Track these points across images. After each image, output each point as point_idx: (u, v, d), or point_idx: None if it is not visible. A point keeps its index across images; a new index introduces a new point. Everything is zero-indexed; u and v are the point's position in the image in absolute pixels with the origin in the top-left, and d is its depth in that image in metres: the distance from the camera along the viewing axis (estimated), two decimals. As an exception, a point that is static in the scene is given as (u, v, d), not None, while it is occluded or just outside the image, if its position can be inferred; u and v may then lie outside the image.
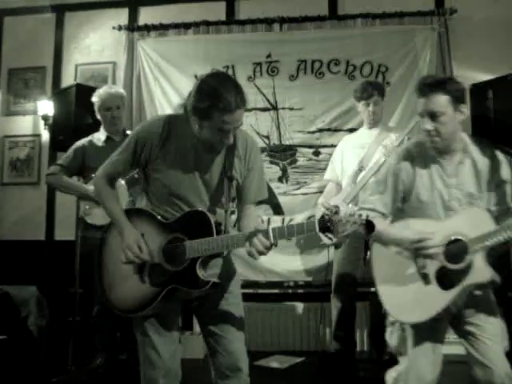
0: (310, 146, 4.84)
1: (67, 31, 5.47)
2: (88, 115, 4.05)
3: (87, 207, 3.71)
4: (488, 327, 2.36)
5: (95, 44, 5.42)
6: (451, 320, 2.45)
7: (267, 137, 4.94)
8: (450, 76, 2.66)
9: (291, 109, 4.91)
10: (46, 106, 5.14)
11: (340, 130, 4.74)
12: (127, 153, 2.31)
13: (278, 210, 4.81)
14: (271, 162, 4.91)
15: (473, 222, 2.27)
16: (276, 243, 2.12)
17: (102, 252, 2.38)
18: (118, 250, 2.27)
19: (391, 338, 2.55)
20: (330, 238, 3.77)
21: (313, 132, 4.85)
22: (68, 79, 5.35)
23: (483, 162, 2.39)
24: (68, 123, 4.47)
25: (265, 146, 4.92)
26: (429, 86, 2.32)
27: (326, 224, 1.98)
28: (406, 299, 2.36)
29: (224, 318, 2.36)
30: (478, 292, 2.37)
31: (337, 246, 4.01)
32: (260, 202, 4.67)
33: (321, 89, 4.88)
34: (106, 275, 2.34)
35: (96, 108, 3.88)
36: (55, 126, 4.74)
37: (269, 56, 4.99)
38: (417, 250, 2.31)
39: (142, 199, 2.43)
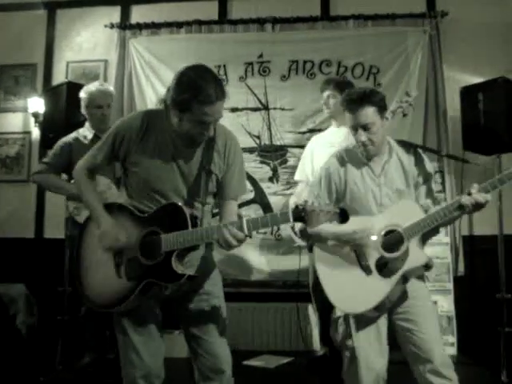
0: (300, 147, 4.78)
1: (58, 28, 5.45)
2: (79, 113, 4.00)
3: (75, 207, 3.69)
4: (423, 321, 2.47)
5: (87, 42, 5.40)
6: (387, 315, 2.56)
7: (258, 137, 4.95)
8: (371, 88, 2.81)
9: (282, 109, 4.93)
10: (37, 104, 5.09)
11: (330, 131, 4.76)
12: (106, 146, 2.33)
13: (268, 209, 4.81)
14: (262, 162, 4.92)
15: (405, 213, 2.45)
16: (250, 235, 2.12)
17: (79, 248, 2.38)
18: (95, 246, 2.28)
19: (335, 333, 2.66)
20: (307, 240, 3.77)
21: (303, 132, 4.87)
22: (59, 77, 5.32)
23: (408, 160, 2.61)
24: (59, 121, 4.43)
25: (255, 145, 4.93)
26: (356, 102, 2.50)
27: (300, 214, 1.98)
28: (351, 291, 2.49)
29: (205, 319, 2.35)
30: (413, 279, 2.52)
31: (311, 249, 3.98)
32: (251, 202, 4.77)
33: (312, 89, 4.85)
34: (83, 271, 2.34)
35: (84, 104, 3.82)
36: (46, 123, 4.71)
37: (260, 56, 5.00)
38: (357, 241, 2.47)
39: (121, 195, 2.45)
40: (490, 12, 4.95)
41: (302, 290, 4.26)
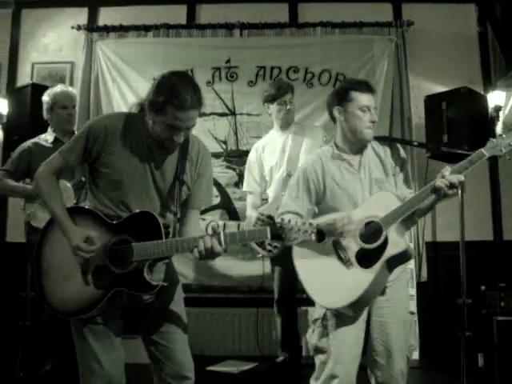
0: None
1: (24, 28, 5.35)
2: (43, 116, 3.97)
3: (32, 211, 3.63)
4: (394, 333, 2.51)
5: (53, 43, 5.33)
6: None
7: (224, 142, 4.96)
8: None
9: (249, 114, 4.94)
10: (0, 105, 5.01)
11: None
12: (79, 144, 2.24)
13: (233, 215, 4.84)
14: (228, 167, 4.92)
15: (381, 204, 2.47)
16: (226, 249, 2.12)
17: (39, 254, 2.29)
18: (59, 252, 2.22)
19: (312, 336, 2.62)
20: (270, 251, 3.74)
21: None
22: (24, 78, 5.24)
23: (383, 151, 2.68)
24: (22, 123, 4.37)
25: (222, 150, 4.94)
26: (368, 84, 2.64)
27: (278, 232, 1.99)
28: (332, 286, 2.46)
29: (167, 327, 2.33)
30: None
31: (275, 261, 3.95)
32: (216, 207, 4.76)
33: (279, 95, 4.92)
34: (46, 278, 2.26)
35: (48, 106, 3.77)
36: (9, 125, 4.64)
37: (228, 61, 5.02)
38: (338, 230, 2.39)
39: (86, 201, 2.37)
40: (453, 23, 5.08)
41: (266, 295, 4.27)
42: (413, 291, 4.40)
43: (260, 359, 4.31)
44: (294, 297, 4.02)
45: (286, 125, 3.97)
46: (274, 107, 3.93)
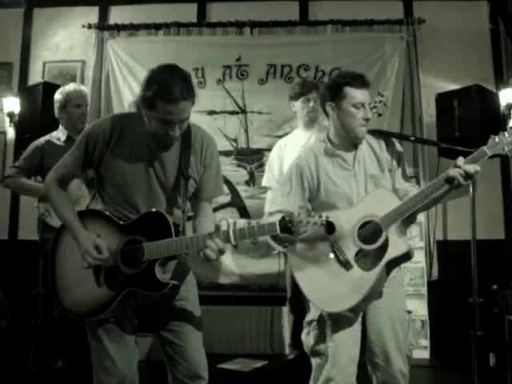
0: (277, 150, 4.87)
1: (35, 27, 5.39)
2: (55, 114, 3.99)
3: (46, 209, 3.65)
4: (387, 331, 2.46)
5: (64, 42, 5.36)
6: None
7: (235, 140, 4.96)
8: None
9: (259, 113, 4.94)
10: (12, 103, 5.05)
11: (307, 135, 4.78)
12: (79, 152, 2.24)
13: (244, 213, 4.83)
14: (238, 166, 4.93)
15: (380, 202, 2.36)
16: (237, 244, 2.11)
17: (53, 256, 2.31)
18: (72, 254, 2.21)
19: (307, 338, 2.56)
20: (287, 247, 3.72)
21: (280, 136, 4.73)
22: (35, 76, 5.27)
23: (379, 145, 2.56)
24: (34, 121, 4.40)
25: (232, 149, 4.94)
26: (363, 79, 2.47)
27: (287, 225, 1.97)
28: (333, 290, 2.38)
29: (181, 326, 2.31)
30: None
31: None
32: (227, 205, 4.76)
33: (290, 94, 4.93)
34: (60, 280, 2.27)
35: (61, 105, 3.75)
36: (21, 123, 4.68)
37: (239, 59, 5.03)
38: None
39: (96, 201, 2.37)
40: (465, 21, 5.05)
41: (277, 293, 4.27)
42: (424, 290, 4.39)
43: (271, 357, 4.32)
44: None
45: (310, 123, 3.92)
46: (298, 104, 3.91)
